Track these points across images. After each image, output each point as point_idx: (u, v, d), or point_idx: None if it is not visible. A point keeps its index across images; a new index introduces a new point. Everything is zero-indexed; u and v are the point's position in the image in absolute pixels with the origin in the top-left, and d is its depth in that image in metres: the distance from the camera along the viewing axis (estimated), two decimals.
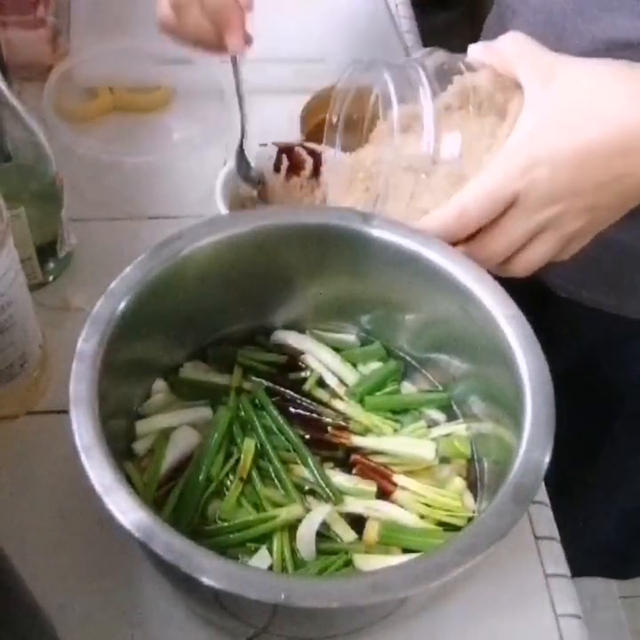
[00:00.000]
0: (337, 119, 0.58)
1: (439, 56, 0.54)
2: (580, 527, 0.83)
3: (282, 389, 0.57)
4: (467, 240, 0.53)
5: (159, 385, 0.57)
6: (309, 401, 0.57)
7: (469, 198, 0.51)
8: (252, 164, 0.69)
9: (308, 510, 0.50)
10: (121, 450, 0.52)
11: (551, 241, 0.52)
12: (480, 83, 0.52)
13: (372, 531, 0.50)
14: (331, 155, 0.60)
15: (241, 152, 0.69)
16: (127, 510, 0.40)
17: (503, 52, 0.52)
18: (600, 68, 0.50)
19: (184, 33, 0.66)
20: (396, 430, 0.56)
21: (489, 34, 0.55)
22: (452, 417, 0.57)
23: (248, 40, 0.66)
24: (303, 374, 0.58)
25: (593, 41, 0.58)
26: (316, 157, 0.71)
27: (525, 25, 0.53)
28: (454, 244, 0.54)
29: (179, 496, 0.51)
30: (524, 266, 0.54)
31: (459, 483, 0.53)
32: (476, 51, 0.54)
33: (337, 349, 0.60)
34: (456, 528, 0.51)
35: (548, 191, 0.49)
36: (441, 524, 0.51)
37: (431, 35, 0.91)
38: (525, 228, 0.51)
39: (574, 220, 0.51)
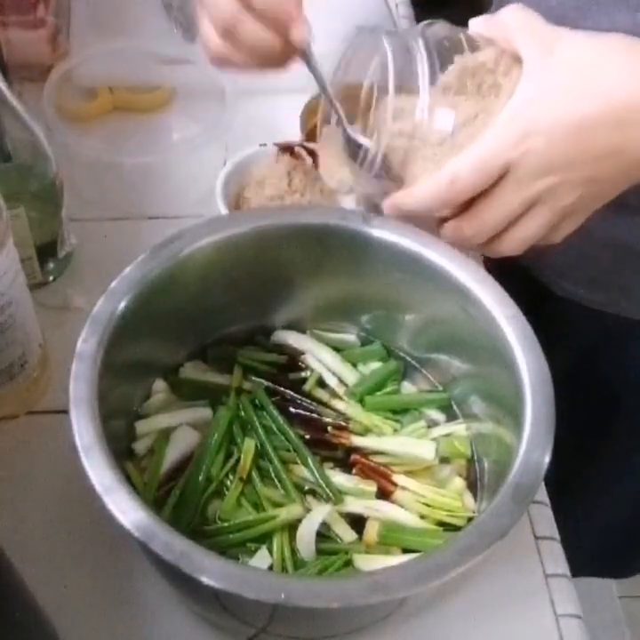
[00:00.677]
0: (336, 89, 0.57)
1: (441, 28, 0.53)
2: (580, 527, 0.83)
3: (282, 389, 0.57)
4: (457, 214, 0.53)
5: (159, 385, 0.57)
6: (309, 401, 0.57)
7: (462, 165, 0.50)
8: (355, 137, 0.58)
9: (308, 510, 0.50)
10: (121, 450, 0.52)
11: (543, 216, 0.51)
12: (481, 62, 0.51)
13: (372, 531, 0.50)
14: (326, 129, 0.59)
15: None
16: (127, 510, 0.40)
17: (504, 23, 0.52)
18: (600, 41, 0.49)
19: (242, 56, 0.58)
20: (396, 430, 0.56)
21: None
22: (452, 417, 0.57)
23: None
24: (303, 374, 0.59)
25: None
26: (316, 157, 0.71)
27: None
28: (445, 220, 0.53)
29: (179, 496, 0.51)
30: (513, 244, 0.53)
31: (459, 483, 0.53)
32: (477, 24, 0.53)
33: (337, 349, 0.60)
34: (456, 528, 0.51)
35: (542, 162, 0.49)
36: (441, 524, 0.51)
37: None
38: (518, 199, 0.50)
39: (568, 193, 0.50)
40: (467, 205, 0.52)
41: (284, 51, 0.57)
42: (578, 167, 0.49)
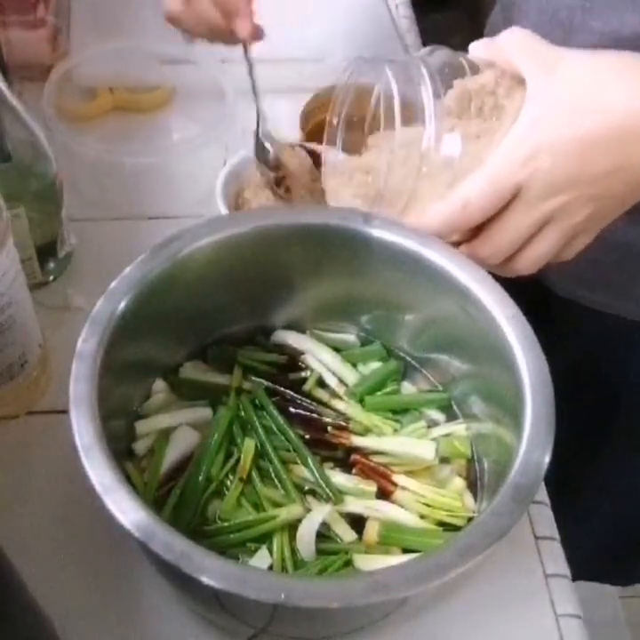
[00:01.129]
0: (337, 119, 0.58)
1: (442, 54, 0.54)
2: (580, 528, 0.83)
3: (282, 389, 0.57)
4: (469, 239, 0.53)
5: (159, 385, 0.57)
6: (309, 401, 0.57)
7: (473, 189, 0.50)
8: (269, 148, 0.69)
9: (308, 510, 0.50)
10: (121, 450, 0.52)
11: (555, 235, 0.51)
12: (481, 84, 0.52)
13: (371, 531, 0.50)
14: (331, 155, 0.60)
15: (257, 136, 0.69)
16: (127, 510, 0.40)
17: (505, 46, 0.52)
18: (603, 58, 0.49)
19: (192, 23, 0.67)
20: (396, 430, 0.56)
21: (492, 33, 0.54)
22: (452, 417, 0.57)
23: (259, 32, 0.68)
24: (303, 374, 0.58)
25: (600, 37, 0.58)
26: (316, 157, 0.71)
27: (531, 22, 0.53)
28: (458, 244, 0.54)
29: (179, 496, 0.51)
30: (528, 263, 0.53)
31: (459, 483, 0.53)
32: (477, 48, 0.53)
33: (337, 349, 0.60)
34: (456, 528, 0.51)
35: (550, 181, 0.49)
36: (441, 524, 0.51)
37: (431, 35, 0.91)
38: (530, 220, 0.50)
39: (578, 211, 0.50)
40: (477, 229, 0.52)
41: (230, 34, 0.66)
42: (585, 185, 0.49)
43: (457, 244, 0.53)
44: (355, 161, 0.58)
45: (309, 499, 0.52)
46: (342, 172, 0.59)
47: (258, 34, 0.68)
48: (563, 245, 0.52)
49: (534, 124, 0.49)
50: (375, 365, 0.59)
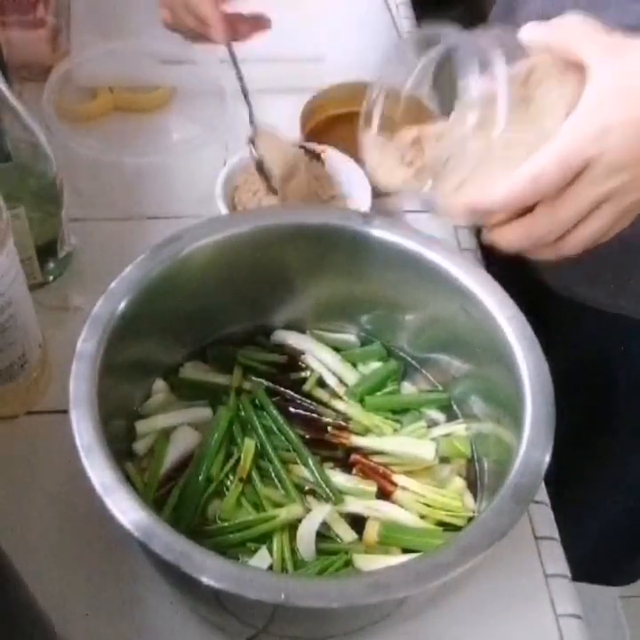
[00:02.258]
0: (378, 92, 0.57)
1: (496, 34, 0.53)
2: (580, 529, 0.83)
3: (282, 389, 0.57)
4: (509, 220, 0.52)
5: (159, 385, 0.57)
6: (309, 401, 0.57)
7: (544, 163, 0.50)
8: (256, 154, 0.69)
9: (308, 510, 0.50)
10: (121, 450, 0.52)
11: (610, 214, 0.51)
12: (532, 65, 0.51)
13: (371, 531, 0.50)
14: (370, 134, 0.59)
15: (251, 143, 0.70)
16: (127, 510, 0.40)
17: (563, 29, 0.51)
18: None
19: (181, 29, 0.72)
20: (396, 430, 0.56)
21: (494, 26, 0.54)
22: (452, 417, 0.57)
23: (254, 25, 0.71)
24: (303, 374, 0.59)
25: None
26: (316, 156, 0.71)
27: (535, 15, 0.52)
28: (510, 219, 0.53)
29: (179, 496, 0.51)
30: (577, 242, 0.52)
31: (459, 483, 0.53)
32: (531, 30, 0.53)
33: (337, 349, 0.60)
34: (456, 528, 0.51)
35: (617, 159, 0.49)
36: (441, 523, 0.52)
37: None
38: (592, 196, 0.50)
39: (633, 191, 0.50)
40: (527, 209, 0.52)
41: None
42: None
43: (509, 219, 0.53)
44: (402, 134, 0.57)
45: (309, 499, 0.52)
46: (384, 143, 0.58)
47: (250, 28, 0.71)
48: (612, 225, 0.52)
49: (602, 100, 0.49)
50: (375, 365, 0.59)
